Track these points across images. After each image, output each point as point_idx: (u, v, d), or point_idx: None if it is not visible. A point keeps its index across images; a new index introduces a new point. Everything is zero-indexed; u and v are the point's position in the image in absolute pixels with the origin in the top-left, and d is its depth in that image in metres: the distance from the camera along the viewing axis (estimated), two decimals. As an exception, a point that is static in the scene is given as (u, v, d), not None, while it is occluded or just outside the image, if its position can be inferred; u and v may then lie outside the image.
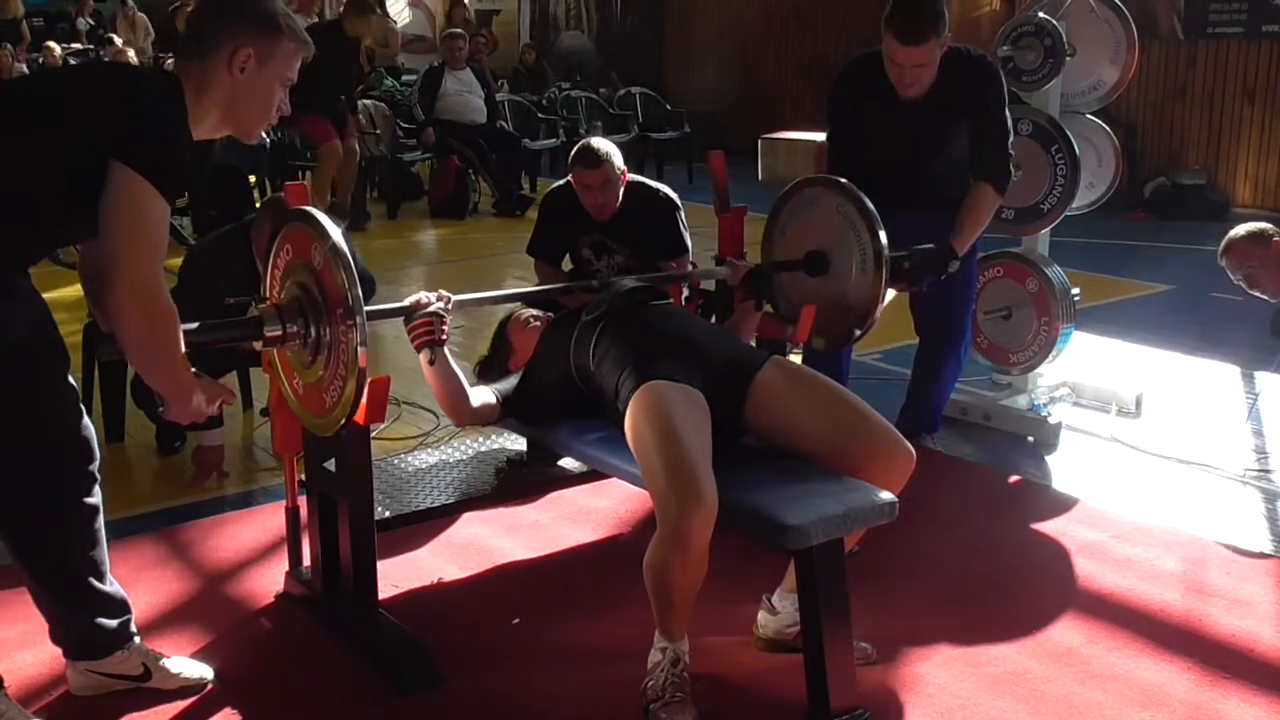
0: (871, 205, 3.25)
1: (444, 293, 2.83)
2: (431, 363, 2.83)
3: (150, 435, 4.24)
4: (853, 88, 3.83)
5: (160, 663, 2.67)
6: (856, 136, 3.78)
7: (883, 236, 3.21)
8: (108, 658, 2.61)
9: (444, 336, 2.80)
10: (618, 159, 3.79)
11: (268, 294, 2.69)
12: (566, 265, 4.13)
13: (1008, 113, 3.75)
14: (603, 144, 3.81)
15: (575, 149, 3.84)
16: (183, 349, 2.29)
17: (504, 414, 3.03)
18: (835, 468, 2.61)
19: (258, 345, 2.61)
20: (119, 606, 2.62)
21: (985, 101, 3.69)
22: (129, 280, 2.16)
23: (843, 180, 3.34)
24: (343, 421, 2.54)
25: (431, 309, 2.79)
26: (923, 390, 4.14)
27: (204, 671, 2.72)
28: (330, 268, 2.45)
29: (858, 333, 3.36)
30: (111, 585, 2.60)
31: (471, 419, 2.98)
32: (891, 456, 2.60)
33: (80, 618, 2.57)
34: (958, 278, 3.88)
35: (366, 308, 2.46)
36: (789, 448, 2.68)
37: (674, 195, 3.99)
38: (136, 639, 2.66)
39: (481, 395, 2.99)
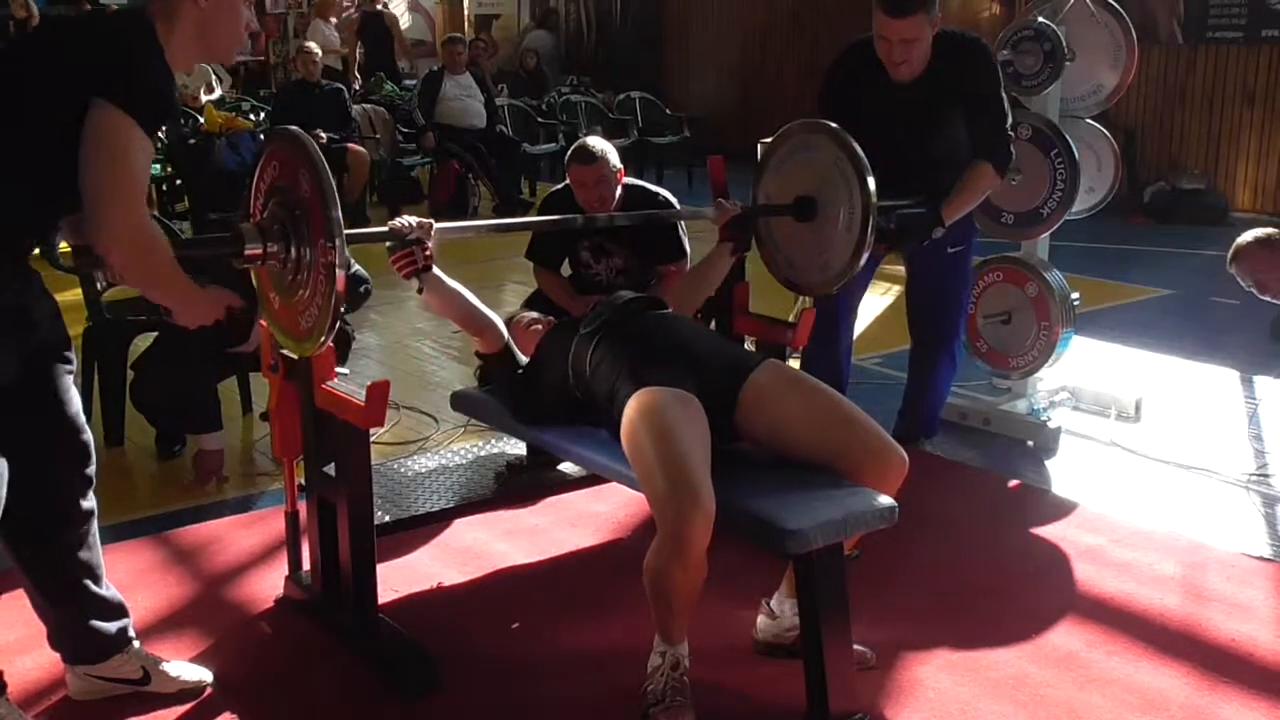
0: (861, 152, 3.20)
1: (425, 220, 2.83)
2: (420, 290, 2.87)
3: (150, 439, 4.24)
4: (845, 72, 3.82)
5: (160, 666, 2.67)
6: (849, 124, 3.76)
7: (871, 184, 3.16)
8: (106, 661, 2.61)
9: (427, 262, 2.81)
10: (614, 157, 3.81)
11: (251, 213, 2.70)
12: (566, 271, 4.13)
13: (1004, 94, 3.74)
14: (599, 142, 3.83)
15: (572, 147, 3.86)
16: (175, 264, 2.32)
17: (499, 359, 3.07)
18: (832, 469, 2.61)
19: (238, 263, 2.60)
20: (116, 610, 2.62)
21: (978, 83, 3.67)
22: (114, 220, 2.17)
23: (834, 126, 3.29)
24: (322, 340, 2.55)
25: (411, 237, 2.79)
26: (919, 391, 4.14)
27: (203, 675, 2.72)
28: (311, 187, 2.46)
29: (840, 282, 3.33)
30: (108, 589, 2.60)
31: (481, 330, 3.03)
32: (884, 462, 2.60)
33: (77, 621, 2.57)
34: (951, 275, 3.89)
35: (347, 230, 2.46)
36: (782, 452, 2.68)
37: (673, 199, 4.00)
38: (135, 643, 2.66)
39: (499, 321, 3.06)
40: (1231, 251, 3.79)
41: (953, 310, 4.02)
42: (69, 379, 2.47)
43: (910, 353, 4.15)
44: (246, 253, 2.53)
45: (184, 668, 2.72)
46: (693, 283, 3.33)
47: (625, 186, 3.88)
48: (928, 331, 4.06)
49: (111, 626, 2.60)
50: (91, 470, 2.52)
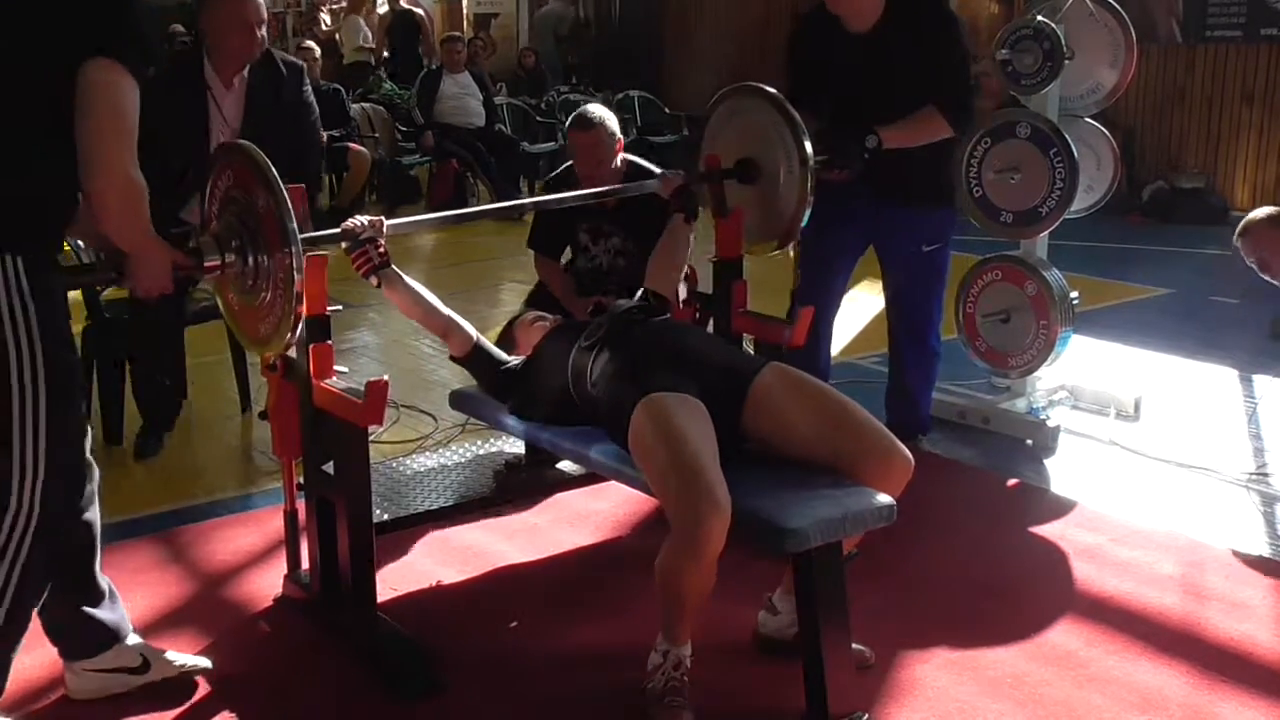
0: (793, 109, 3.34)
1: (376, 219, 2.89)
2: (378, 285, 2.90)
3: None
4: (804, 34, 3.89)
5: (158, 655, 2.68)
6: (811, 94, 3.78)
7: (808, 146, 3.30)
8: (104, 654, 2.62)
9: (383, 259, 2.87)
10: (612, 124, 3.82)
11: (207, 225, 2.77)
12: (566, 260, 4.13)
13: (964, 50, 3.77)
14: (597, 109, 3.87)
15: (572, 115, 3.89)
16: (149, 214, 2.38)
17: (473, 359, 3.08)
18: (836, 470, 2.61)
19: (199, 275, 2.70)
20: (114, 601, 2.63)
21: (935, 34, 3.69)
22: (111, 175, 2.23)
23: (765, 87, 3.41)
24: (287, 338, 2.64)
25: (364, 236, 2.84)
26: (899, 388, 4.12)
27: (201, 662, 2.74)
28: (265, 198, 2.54)
29: (802, 220, 3.42)
30: (105, 581, 2.62)
31: (445, 331, 3.05)
32: (888, 462, 2.60)
33: (77, 613, 2.58)
34: (925, 273, 3.91)
35: (302, 235, 2.55)
36: (786, 454, 2.68)
37: None
38: (132, 635, 2.67)
39: (464, 322, 3.07)
40: (1241, 226, 3.77)
41: (927, 307, 4.00)
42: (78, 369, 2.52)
43: (889, 351, 4.14)
44: (206, 265, 2.63)
45: (183, 656, 2.73)
46: (659, 261, 3.30)
47: (626, 162, 3.89)
48: (903, 328, 4.05)
49: (110, 617, 2.62)
50: (89, 459, 2.53)
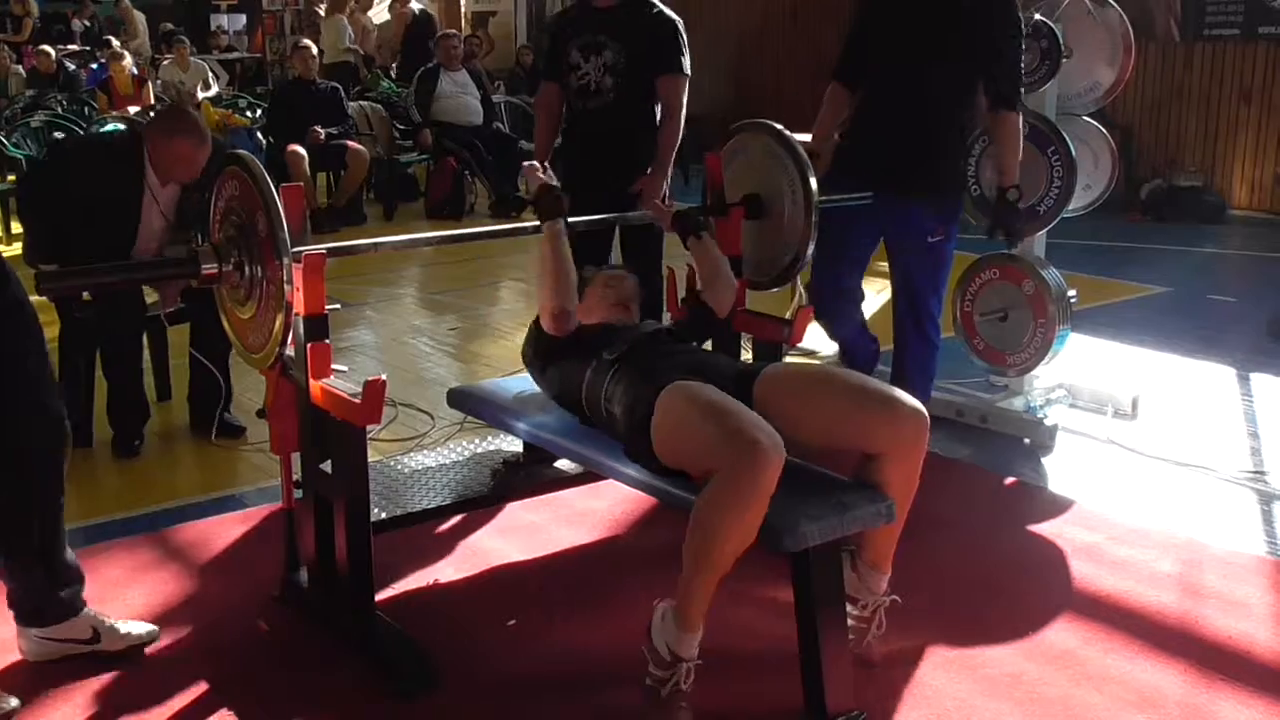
0: (800, 149, 3.40)
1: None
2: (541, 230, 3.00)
3: (151, 434, 4.23)
4: None
5: (107, 624, 2.77)
6: (861, 60, 3.85)
7: (813, 183, 3.35)
8: (58, 625, 2.71)
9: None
10: None
11: (212, 234, 2.84)
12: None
13: (1020, 30, 3.74)
14: None
15: None
16: None
17: (570, 340, 3.01)
18: (851, 444, 2.62)
19: (195, 283, 2.79)
20: (76, 576, 2.75)
21: (994, 18, 3.66)
22: None
23: (773, 124, 3.47)
24: (274, 357, 2.70)
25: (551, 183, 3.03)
26: (900, 374, 4.11)
27: (150, 629, 2.82)
28: (260, 209, 2.59)
29: (797, 269, 3.51)
30: (71, 556, 2.74)
31: (563, 309, 2.97)
32: (896, 412, 2.59)
33: (41, 585, 2.68)
34: (929, 264, 3.90)
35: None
36: (801, 439, 2.69)
37: (679, 22, 4.12)
38: (86, 608, 2.77)
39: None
40: None
41: (926, 295, 3.98)
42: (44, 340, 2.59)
43: (894, 342, 4.13)
44: (204, 272, 2.69)
45: (132, 625, 2.82)
46: (711, 284, 3.34)
47: None
48: (908, 318, 4.05)
49: (70, 593, 2.72)
50: (67, 443, 2.62)
